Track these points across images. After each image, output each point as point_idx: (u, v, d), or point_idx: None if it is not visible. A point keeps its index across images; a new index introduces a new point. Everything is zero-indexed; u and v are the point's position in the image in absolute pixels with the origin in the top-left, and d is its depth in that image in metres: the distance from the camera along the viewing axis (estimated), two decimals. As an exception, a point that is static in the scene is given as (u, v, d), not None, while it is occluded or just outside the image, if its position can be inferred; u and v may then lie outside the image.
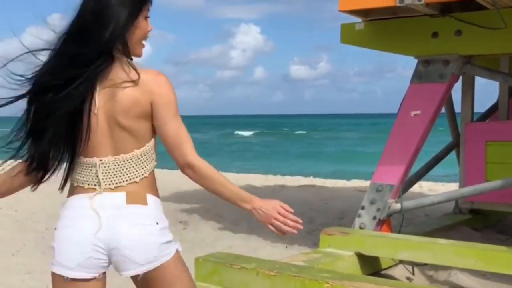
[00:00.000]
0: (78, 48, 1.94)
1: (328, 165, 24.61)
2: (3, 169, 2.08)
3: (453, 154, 6.79)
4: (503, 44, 5.08)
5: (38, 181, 2.07)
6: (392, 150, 5.35)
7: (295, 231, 2.08)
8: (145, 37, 2.09)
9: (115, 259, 2.00)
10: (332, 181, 12.67)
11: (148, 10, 2.08)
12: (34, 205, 8.29)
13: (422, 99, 5.33)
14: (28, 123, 1.99)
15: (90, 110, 1.97)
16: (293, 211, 2.10)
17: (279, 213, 2.06)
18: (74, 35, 1.97)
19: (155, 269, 2.01)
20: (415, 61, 5.52)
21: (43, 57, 2.01)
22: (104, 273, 2.07)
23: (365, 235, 4.98)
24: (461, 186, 6.17)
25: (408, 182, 5.90)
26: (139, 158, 2.04)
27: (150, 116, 2.03)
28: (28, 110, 2.00)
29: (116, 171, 2.02)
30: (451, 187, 9.87)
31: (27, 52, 2.00)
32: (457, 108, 6.65)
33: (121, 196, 2.01)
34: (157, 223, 2.03)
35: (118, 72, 1.99)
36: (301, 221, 2.09)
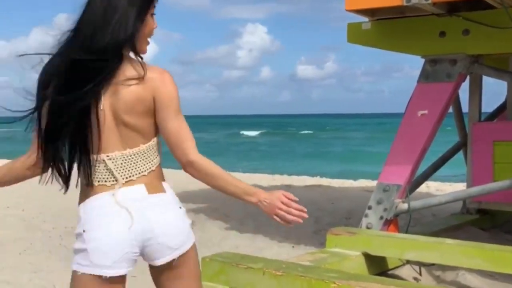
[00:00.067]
0: (90, 49, 1.94)
1: (335, 165, 24.58)
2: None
3: (460, 154, 6.76)
4: (511, 44, 5.05)
5: (43, 172, 2.06)
6: (399, 150, 5.34)
7: (300, 220, 2.07)
8: (150, 34, 2.10)
9: (149, 249, 2.02)
10: (339, 181, 12.65)
11: (155, 7, 2.09)
12: (41, 205, 8.25)
13: (429, 98, 5.30)
14: (43, 121, 1.98)
15: (97, 107, 1.98)
16: (297, 199, 2.08)
17: (282, 202, 2.05)
18: (85, 34, 1.96)
19: (182, 255, 2.06)
20: (422, 60, 5.50)
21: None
22: None
23: (372, 235, 4.96)
24: (468, 186, 6.14)
25: (415, 182, 5.88)
26: (145, 153, 2.06)
27: (154, 113, 2.03)
28: (40, 108, 1.98)
29: (124, 166, 2.02)
30: (458, 187, 9.83)
31: (38, 54, 2.00)
32: (465, 107, 6.63)
33: (141, 188, 2.03)
34: (180, 207, 2.10)
35: (126, 70, 2.00)
36: (305, 210, 2.08)
